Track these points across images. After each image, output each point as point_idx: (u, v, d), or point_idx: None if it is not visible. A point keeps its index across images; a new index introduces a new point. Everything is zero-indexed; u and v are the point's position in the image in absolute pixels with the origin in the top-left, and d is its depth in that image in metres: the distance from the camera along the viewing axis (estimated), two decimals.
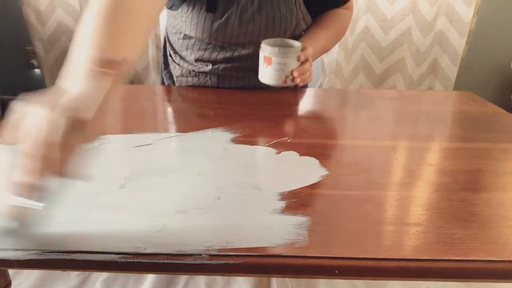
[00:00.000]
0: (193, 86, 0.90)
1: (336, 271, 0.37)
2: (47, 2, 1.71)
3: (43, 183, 0.35)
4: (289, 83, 0.73)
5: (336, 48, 1.74)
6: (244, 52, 0.82)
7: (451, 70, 1.76)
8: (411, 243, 0.39)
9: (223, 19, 0.76)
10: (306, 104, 0.84)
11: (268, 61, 0.71)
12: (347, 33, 1.70)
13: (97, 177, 0.50)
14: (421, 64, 1.77)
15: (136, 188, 0.47)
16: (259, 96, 0.86)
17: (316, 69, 1.86)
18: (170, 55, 0.93)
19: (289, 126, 0.68)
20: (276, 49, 0.69)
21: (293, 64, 0.71)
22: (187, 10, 0.80)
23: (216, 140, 0.61)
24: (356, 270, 0.37)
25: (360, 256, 0.37)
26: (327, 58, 1.78)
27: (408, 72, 1.78)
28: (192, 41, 0.84)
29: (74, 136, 0.35)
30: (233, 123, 0.68)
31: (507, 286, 0.67)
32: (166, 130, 0.65)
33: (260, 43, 0.74)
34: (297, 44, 0.73)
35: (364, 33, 1.75)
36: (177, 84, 0.94)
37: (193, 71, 0.88)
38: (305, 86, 1.02)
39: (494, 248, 0.38)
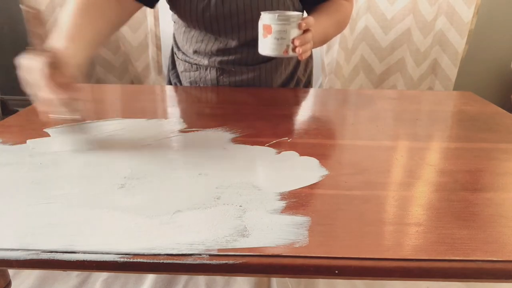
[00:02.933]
0: (195, 83, 0.92)
1: (336, 271, 0.37)
2: (47, 2, 1.71)
3: (58, 98, 0.52)
4: (291, 53, 0.68)
5: (336, 48, 1.74)
6: (234, 43, 0.84)
7: (451, 70, 1.76)
8: (411, 243, 0.39)
9: (205, 1, 0.78)
10: (306, 104, 0.84)
11: (268, 29, 0.67)
12: (347, 32, 1.70)
13: (97, 177, 0.50)
14: (421, 64, 1.77)
15: (136, 188, 0.47)
16: (259, 96, 0.86)
17: (316, 69, 1.86)
18: (175, 52, 0.96)
19: (289, 126, 0.68)
20: (276, 15, 0.65)
21: (294, 32, 0.67)
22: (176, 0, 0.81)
23: (216, 140, 0.61)
24: (356, 270, 0.37)
25: (360, 256, 0.37)
26: (327, 58, 1.78)
27: (408, 72, 1.78)
28: (190, 33, 0.88)
29: (55, 68, 0.54)
30: (233, 123, 0.68)
31: (507, 286, 0.67)
32: (165, 130, 0.65)
33: (248, 31, 0.72)
34: (297, 12, 0.69)
35: (364, 33, 1.75)
36: (182, 80, 0.96)
37: (194, 64, 0.91)
38: (308, 86, 1.03)
39: (494, 248, 0.38)
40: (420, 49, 1.73)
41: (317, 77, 1.88)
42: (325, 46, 1.73)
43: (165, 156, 0.56)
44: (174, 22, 0.93)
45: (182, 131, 0.65)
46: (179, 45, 0.94)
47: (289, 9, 0.82)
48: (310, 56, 1.02)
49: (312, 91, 0.94)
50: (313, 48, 0.85)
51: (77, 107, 0.54)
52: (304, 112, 0.78)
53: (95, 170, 0.52)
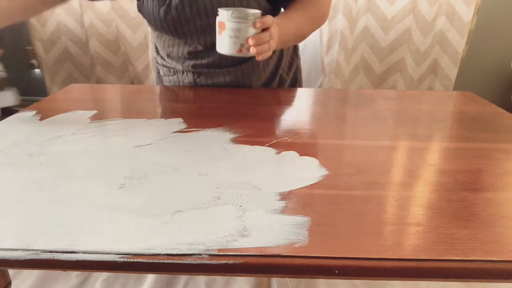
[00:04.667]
0: (175, 85, 0.92)
1: (336, 271, 0.37)
2: None
3: None
4: (245, 52, 0.66)
5: (336, 48, 1.74)
6: (202, 47, 0.83)
7: (451, 70, 1.76)
8: (411, 243, 0.39)
9: (166, 4, 0.77)
10: (306, 104, 0.84)
11: (222, 26, 0.65)
12: (347, 32, 1.70)
13: (97, 177, 0.50)
14: (421, 64, 1.77)
15: (136, 188, 0.47)
16: (259, 96, 0.86)
17: (316, 69, 1.86)
18: (155, 57, 0.97)
19: (289, 126, 0.68)
20: (230, 12, 0.63)
21: (249, 31, 0.64)
22: (142, 4, 0.80)
23: (216, 140, 0.61)
24: (356, 270, 0.37)
25: (360, 256, 0.37)
26: (327, 58, 1.78)
27: (408, 72, 1.78)
28: (162, 38, 0.88)
29: None
30: (233, 123, 0.68)
31: (507, 286, 0.67)
32: (165, 130, 0.65)
33: (214, 34, 0.69)
34: (255, 10, 0.66)
35: (364, 33, 1.75)
36: (165, 83, 0.96)
37: (171, 68, 0.91)
38: (296, 85, 1.00)
39: (494, 248, 0.38)
40: (420, 49, 1.73)
41: (317, 77, 1.88)
42: (325, 46, 1.73)
43: (165, 156, 0.56)
44: (149, 27, 0.93)
45: (182, 131, 0.65)
46: (158, 50, 0.94)
47: (253, 8, 0.75)
48: (296, 54, 0.98)
49: (312, 91, 0.94)
50: (285, 46, 0.83)
51: None
52: (304, 112, 0.78)
53: (95, 170, 0.52)
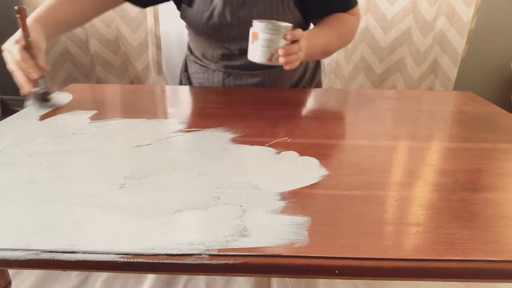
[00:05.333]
0: (204, 84, 0.98)
1: (336, 271, 0.37)
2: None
3: (28, 75, 0.69)
4: (274, 61, 0.71)
5: None
6: (237, 51, 0.89)
7: (451, 70, 1.76)
8: (411, 243, 0.39)
9: (209, 11, 0.84)
10: (306, 104, 0.84)
11: (255, 36, 0.70)
12: None
13: (97, 177, 0.50)
14: (421, 64, 1.77)
15: (136, 188, 0.47)
16: (259, 96, 0.86)
17: None
18: (188, 55, 1.03)
19: (289, 126, 0.68)
20: (264, 24, 0.69)
21: (280, 42, 0.70)
22: (186, 10, 0.88)
23: (216, 140, 0.61)
24: (356, 270, 0.37)
25: (360, 256, 0.37)
26: (327, 58, 1.78)
27: (408, 72, 1.78)
28: (198, 39, 0.94)
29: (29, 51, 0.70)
30: (233, 123, 0.68)
31: (507, 286, 0.67)
32: (165, 130, 0.65)
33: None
34: (287, 23, 0.71)
35: (364, 33, 1.75)
36: (192, 81, 1.02)
37: (204, 66, 0.97)
38: (317, 86, 1.06)
39: (494, 248, 0.38)
40: (420, 49, 1.73)
41: None
42: None
43: (165, 156, 0.56)
44: (186, 28, 0.98)
45: (182, 131, 0.65)
46: (191, 48, 1.01)
47: (288, 22, 0.83)
48: (318, 68, 1.05)
49: (312, 91, 0.94)
50: (311, 59, 0.91)
51: (43, 82, 0.73)
52: (304, 112, 0.78)
53: (95, 170, 0.52)
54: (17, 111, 0.74)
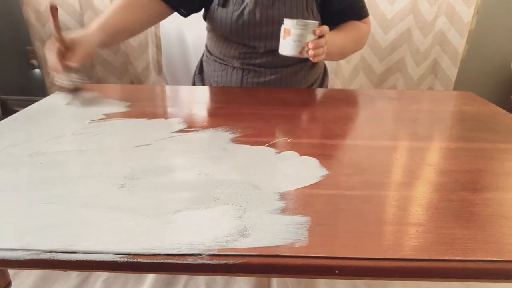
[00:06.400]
0: (221, 84, 1.00)
1: (336, 271, 0.37)
2: (47, 2, 1.71)
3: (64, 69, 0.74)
4: (305, 54, 0.79)
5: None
6: (261, 49, 0.93)
7: (451, 70, 1.76)
8: (411, 243, 0.39)
9: (240, 10, 0.89)
10: (306, 104, 0.84)
11: (288, 32, 0.78)
12: None
13: (97, 177, 0.50)
14: (421, 64, 1.76)
15: (136, 188, 0.47)
16: (259, 96, 0.86)
17: None
18: (207, 55, 1.06)
19: (289, 126, 0.68)
20: (295, 21, 0.77)
21: (310, 37, 0.78)
22: (215, 10, 0.92)
23: (216, 140, 0.61)
24: (356, 270, 0.37)
25: (360, 256, 0.37)
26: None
27: (408, 72, 1.78)
28: (220, 41, 0.98)
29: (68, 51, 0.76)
30: (233, 123, 0.68)
31: (507, 286, 0.67)
32: (165, 130, 0.65)
33: (274, 40, 0.84)
34: (314, 21, 0.80)
35: None
36: (210, 81, 1.05)
37: (224, 64, 0.99)
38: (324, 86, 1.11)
39: (494, 248, 0.38)
40: (420, 49, 1.73)
41: None
42: None
43: (165, 156, 0.56)
44: (207, 30, 1.03)
45: (182, 131, 0.65)
46: (210, 50, 1.04)
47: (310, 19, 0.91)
48: (326, 74, 1.13)
49: (312, 91, 0.94)
50: (329, 59, 0.97)
51: (74, 77, 0.79)
52: (304, 112, 0.78)
53: (95, 170, 0.52)
54: (17, 111, 0.74)
